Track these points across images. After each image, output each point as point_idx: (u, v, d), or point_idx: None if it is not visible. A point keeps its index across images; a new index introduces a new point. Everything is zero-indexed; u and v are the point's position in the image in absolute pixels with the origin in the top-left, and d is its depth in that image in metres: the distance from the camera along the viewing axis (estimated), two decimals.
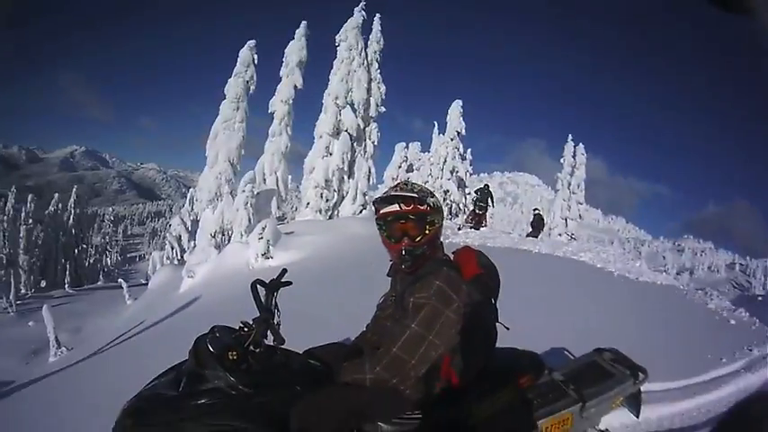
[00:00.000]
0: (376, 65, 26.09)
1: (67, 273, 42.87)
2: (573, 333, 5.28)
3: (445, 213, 32.36)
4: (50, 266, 44.85)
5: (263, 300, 2.90)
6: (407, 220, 2.62)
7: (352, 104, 24.10)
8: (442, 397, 2.59)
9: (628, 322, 6.71)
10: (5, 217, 41.72)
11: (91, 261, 51.08)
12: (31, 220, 43.74)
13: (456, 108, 32.05)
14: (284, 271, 3.10)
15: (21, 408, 7.33)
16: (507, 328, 2.76)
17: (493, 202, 22.79)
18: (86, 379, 8.15)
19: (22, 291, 40.33)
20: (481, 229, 20.82)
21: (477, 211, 22.22)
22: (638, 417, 3.39)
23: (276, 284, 3.00)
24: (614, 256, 12.96)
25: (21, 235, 42.32)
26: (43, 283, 43.34)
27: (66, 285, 41.58)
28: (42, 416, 5.99)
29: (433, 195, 2.68)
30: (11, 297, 33.68)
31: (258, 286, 2.94)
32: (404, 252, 2.64)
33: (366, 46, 25.38)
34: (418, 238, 2.63)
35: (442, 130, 32.92)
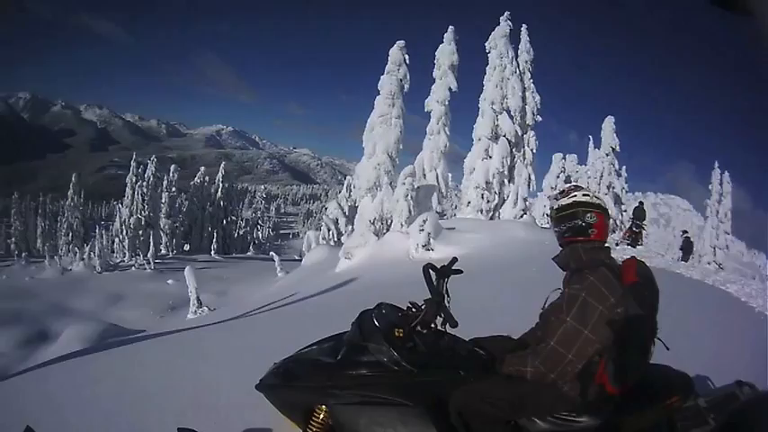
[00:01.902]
0: (528, 74, 25.89)
1: (214, 240, 44.50)
2: (713, 361, 5.07)
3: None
4: (196, 233, 46.71)
5: (434, 283, 2.92)
6: (561, 218, 2.79)
7: (508, 111, 24.03)
8: (594, 403, 2.58)
9: (763, 358, 6.47)
10: (145, 183, 43.04)
11: (241, 233, 52.57)
12: (174, 188, 45.88)
13: (609, 124, 31.34)
14: (455, 259, 3.13)
15: (146, 356, 7.25)
16: (668, 348, 2.71)
17: (645, 218, 22.14)
18: (227, 337, 8.16)
19: (163, 251, 42.65)
20: (637, 247, 20.22)
21: (634, 229, 21.64)
22: None
23: (448, 270, 3.01)
24: (757, 291, 12.19)
25: (162, 201, 44.19)
26: (187, 247, 45.36)
27: (213, 252, 43.17)
28: (167, 367, 5.91)
29: (594, 199, 2.78)
30: (149, 255, 36.00)
31: (430, 270, 2.96)
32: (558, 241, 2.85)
33: (516, 56, 25.23)
34: (566, 235, 2.77)
35: (597, 145, 32.33)
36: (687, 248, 23.63)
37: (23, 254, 43.63)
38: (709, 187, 33.31)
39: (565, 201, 2.79)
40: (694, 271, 14.13)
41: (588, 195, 2.78)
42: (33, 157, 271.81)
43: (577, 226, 2.72)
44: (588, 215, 2.71)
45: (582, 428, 2.56)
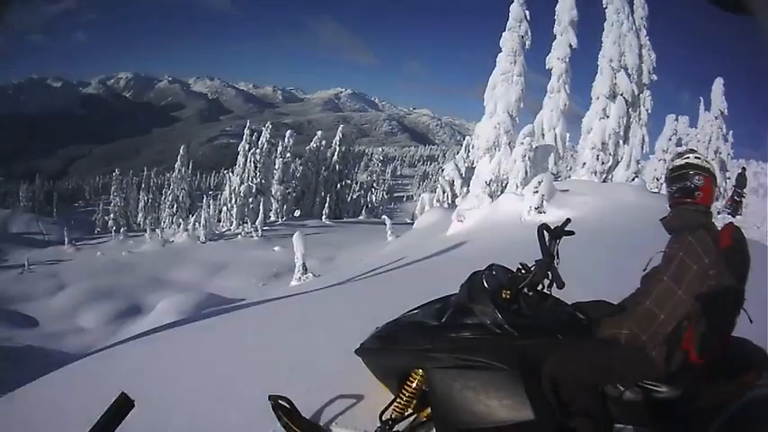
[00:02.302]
0: (644, 31, 24.76)
1: (327, 205, 44.17)
2: None
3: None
4: (308, 198, 46.57)
5: (546, 244, 2.95)
6: (672, 178, 2.84)
7: (626, 68, 23.19)
8: (678, 373, 2.61)
9: None
10: (258, 150, 42.41)
11: (354, 196, 52.10)
12: (288, 154, 45.50)
13: (718, 86, 30.36)
14: (568, 220, 3.16)
15: (241, 324, 7.45)
16: (751, 321, 2.70)
17: (746, 185, 21.95)
18: (327, 304, 8.13)
19: (272, 218, 42.57)
20: (736, 217, 19.86)
21: (735, 198, 21.42)
22: None
23: (560, 232, 3.05)
24: None
25: (276, 167, 43.86)
26: (298, 213, 45.36)
27: (324, 217, 42.75)
28: (263, 335, 5.97)
29: (704, 162, 2.81)
30: (256, 223, 35.68)
31: (544, 231, 2.99)
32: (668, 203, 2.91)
33: (632, 11, 24.24)
34: (675, 195, 2.83)
35: (707, 107, 31.30)
36: None
37: (122, 229, 44.85)
38: None
39: (678, 161, 2.85)
40: None
41: (700, 158, 2.82)
42: (137, 134, 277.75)
43: (686, 187, 2.77)
44: (697, 177, 2.75)
45: (663, 399, 2.60)
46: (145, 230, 40.94)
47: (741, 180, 21.27)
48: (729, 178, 28.76)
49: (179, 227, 38.13)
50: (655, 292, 2.58)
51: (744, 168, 21.79)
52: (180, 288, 22.54)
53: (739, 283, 2.66)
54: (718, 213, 18.86)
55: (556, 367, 2.69)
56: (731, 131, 31.09)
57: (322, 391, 3.74)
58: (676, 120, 34.72)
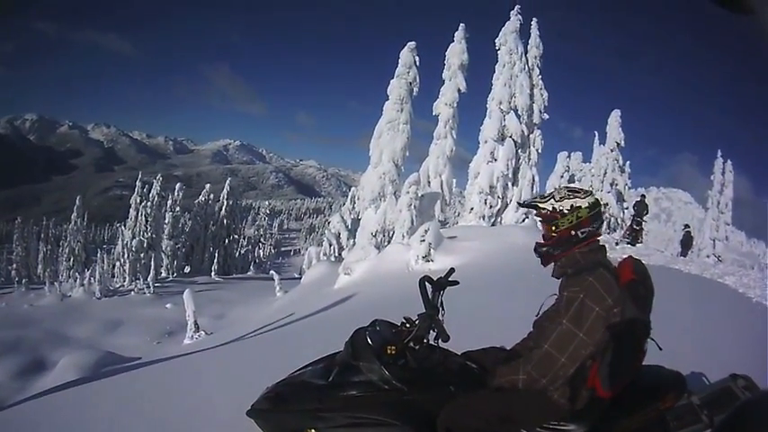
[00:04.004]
0: (537, 70, 25.62)
1: (215, 261, 44.07)
2: (710, 356, 5.09)
3: (603, 227, 31.58)
4: (197, 253, 46.33)
5: (429, 296, 2.90)
6: (541, 222, 2.78)
7: (516, 110, 23.67)
8: (585, 410, 2.55)
9: (761, 350, 6.02)
10: (149, 203, 42.28)
11: (242, 252, 52.29)
12: (178, 208, 45.25)
13: (615, 118, 30.73)
14: (452, 270, 3.11)
15: (140, 384, 7.50)
16: (660, 348, 2.71)
17: (647, 212, 21.91)
18: (221, 363, 8.32)
19: (163, 274, 42.21)
20: (637, 245, 20.03)
21: (634, 227, 21.49)
22: None
23: (444, 283, 3.01)
24: (754, 281, 12.41)
25: (166, 221, 43.67)
26: (187, 269, 44.94)
27: (213, 273, 42.72)
28: (161, 395, 6.07)
29: (578, 197, 2.67)
30: (149, 279, 35.43)
31: (426, 283, 2.94)
32: (534, 249, 2.80)
33: (526, 51, 24.98)
34: (546, 239, 2.75)
35: (603, 141, 31.76)
36: (687, 243, 24.05)
37: (24, 280, 43.32)
38: (711, 177, 34.03)
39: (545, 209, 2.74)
40: (692, 265, 14.91)
41: (543, 196, 2.80)
42: (38, 180, 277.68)
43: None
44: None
45: None
46: (44, 283, 40.18)
47: (640, 208, 21.43)
48: (627, 208, 29.52)
49: (75, 281, 36.86)
50: (554, 336, 2.48)
51: (643, 196, 22.18)
52: (80, 345, 21.84)
53: (645, 313, 2.60)
54: (617, 244, 18.92)
55: (450, 419, 2.58)
56: (628, 162, 31.96)
57: None
58: (569, 157, 35.65)
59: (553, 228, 2.68)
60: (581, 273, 2.57)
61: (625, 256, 2.83)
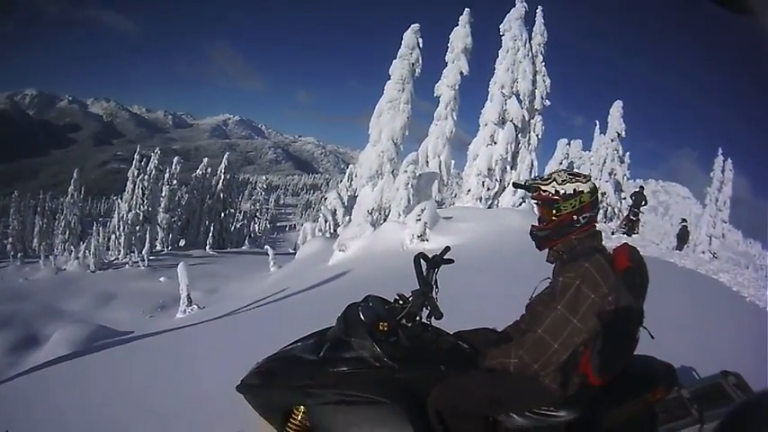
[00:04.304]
0: (541, 57, 25.61)
1: (210, 235, 44.15)
2: (700, 351, 5.16)
3: (600, 216, 31.00)
4: (192, 227, 46.33)
5: (424, 273, 2.90)
6: (539, 205, 2.73)
7: (517, 95, 23.67)
8: (576, 396, 2.54)
9: (751, 349, 6.07)
10: (147, 176, 42.47)
11: (237, 226, 52.32)
12: (175, 181, 45.32)
13: (617, 109, 30.79)
14: (447, 248, 3.12)
15: (129, 359, 7.49)
16: (653, 337, 2.68)
17: (646, 203, 21.93)
18: (212, 337, 8.29)
19: (158, 248, 42.34)
20: (633, 236, 20.12)
21: (631, 217, 21.50)
22: None
23: (439, 260, 2.99)
24: (749, 280, 12.31)
25: (163, 194, 43.80)
26: (182, 242, 44.97)
27: (208, 247, 42.92)
28: (152, 369, 6.04)
29: (580, 182, 2.64)
30: (143, 252, 35.84)
31: (421, 260, 2.94)
32: (530, 233, 2.77)
33: (530, 38, 24.97)
34: (544, 222, 2.70)
35: (603, 130, 31.81)
36: (683, 237, 23.89)
37: (19, 254, 43.97)
38: (711, 174, 33.75)
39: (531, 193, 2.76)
40: (687, 260, 14.88)
41: (545, 178, 2.74)
42: (37, 154, 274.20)
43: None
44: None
45: (561, 422, 2.55)
46: (40, 257, 40.86)
47: (638, 199, 21.38)
48: (625, 198, 29.55)
49: (70, 254, 37.17)
50: (548, 322, 2.45)
51: (641, 187, 22.16)
52: (73, 319, 22.12)
53: (638, 301, 2.61)
54: (613, 234, 19.02)
55: (440, 399, 2.57)
56: (628, 153, 31.98)
57: (208, 427, 3.78)
58: (568, 144, 35.71)
59: (554, 211, 2.64)
60: (577, 258, 2.55)
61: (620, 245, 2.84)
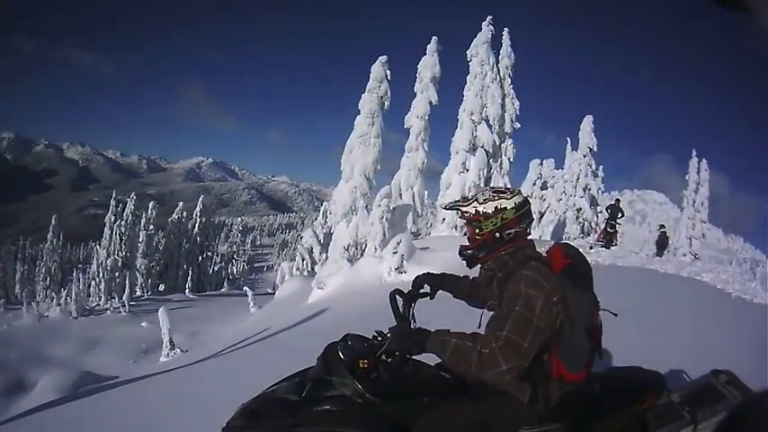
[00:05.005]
0: (509, 80, 25.87)
1: (189, 278, 44.21)
2: (691, 353, 5.18)
3: (577, 232, 30.87)
4: (171, 271, 46.49)
5: (400, 309, 2.94)
6: (466, 225, 2.77)
7: (487, 120, 23.79)
8: (564, 410, 2.56)
9: (742, 344, 6.23)
10: (123, 222, 42.52)
11: (215, 269, 52.65)
12: (151, 226, 45.55)
13: (587, 123, 31.14)
14: (424, 283, 3.18)
15: (119, 404, 7.61)
16: (615, 314, 2.70)
17: (623, 215, 22.30)
18: (197, 380, 8.45)
19: (138, 293, 42.21)
20: (611, 248, 20.29)
21: (608, 230, 21.79)
22: None
23: (415, 295, 3.07)
24: (733, 276, 12.79)
25: (140, 240, 43.97)
26: (162, 287, 45.13)
27: (187, 290, 42.87)
28: (139, 414, 6.16)
29: (504, 199, 2.67)
30: (124, 298, 35.56)
31: (396, 296, 2.97)
32: (458, 252, 2.82)
33: (497, 61, 25.17)
34: (471, 242, 2.76)
35: (575, 147, 32.08)
36: (662, 243, 24.17)
37: (1, 300, 43.26)
38: (686, 177, 33.70)
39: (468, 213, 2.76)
40: (669, 265, 15.17)
41: (464, 199, 2.81)
42: (14, 200, 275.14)
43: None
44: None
45: None
46: (22, 303, 40.13)
47: (614, 212, 21.69)
48: (601, 212, 29.69)
49: (52, 301, 36.87)
50: (511, 321, 2.36)
51: (617, 200, 22.51)
52: (58, 365, 22.06)
53: (588, 289, 2.64)
54: (591, 248, 18.82)
55: (426, 430, 2.53)
56: (601, 167, 32.27)
57: None
58: (541, 164, 36.10)
59: (476, 231, 2.70)
60: (514, 271, 2.56)
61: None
